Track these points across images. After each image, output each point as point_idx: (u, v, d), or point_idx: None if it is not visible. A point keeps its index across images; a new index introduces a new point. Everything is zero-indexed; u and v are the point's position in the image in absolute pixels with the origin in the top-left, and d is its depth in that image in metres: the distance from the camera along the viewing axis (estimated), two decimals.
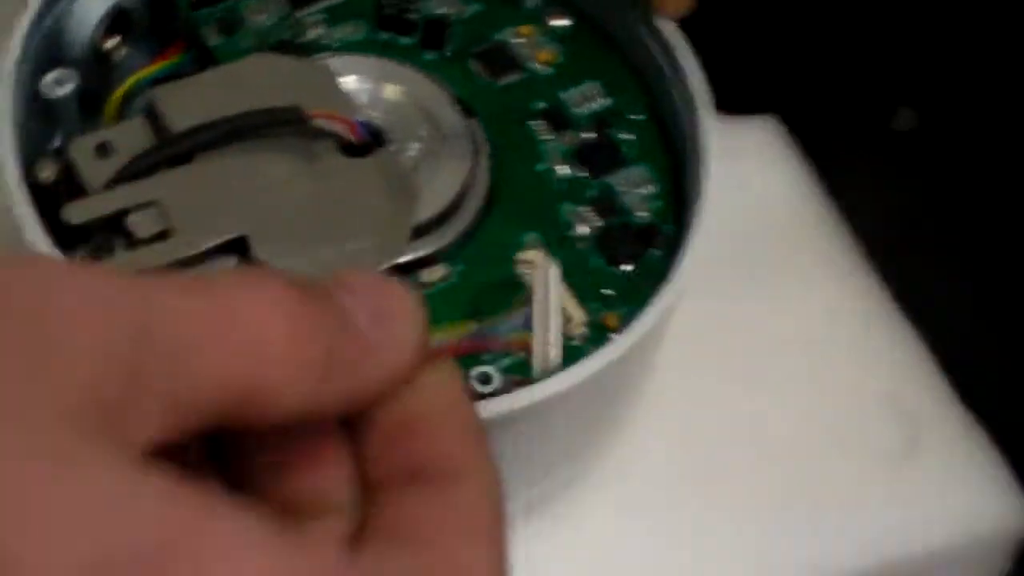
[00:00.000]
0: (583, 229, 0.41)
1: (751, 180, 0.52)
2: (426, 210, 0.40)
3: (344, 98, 0.40)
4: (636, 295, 0.40)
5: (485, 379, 0.38)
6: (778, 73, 0.54)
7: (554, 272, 0.40)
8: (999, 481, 0.48)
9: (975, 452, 0.48)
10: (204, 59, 0.42)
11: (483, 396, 0.37)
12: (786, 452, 0.48)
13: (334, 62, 0.41)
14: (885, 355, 0.50)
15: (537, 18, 0.44)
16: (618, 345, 0.37)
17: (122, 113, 0.41)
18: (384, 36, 0.43)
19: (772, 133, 0.53)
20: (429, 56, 0.43)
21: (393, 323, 0.28)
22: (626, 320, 0.39)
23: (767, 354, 0.49)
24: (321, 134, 0.39)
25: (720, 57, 0.50)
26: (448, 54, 0.43)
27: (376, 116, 0.41)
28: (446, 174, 0.40)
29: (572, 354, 0.39)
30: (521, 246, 0.41)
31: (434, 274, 0.40)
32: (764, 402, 0.48)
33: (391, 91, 0.41)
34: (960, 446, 0.49)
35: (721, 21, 0.51)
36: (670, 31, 0.42)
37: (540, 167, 0.42)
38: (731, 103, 0.49)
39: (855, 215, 0.52)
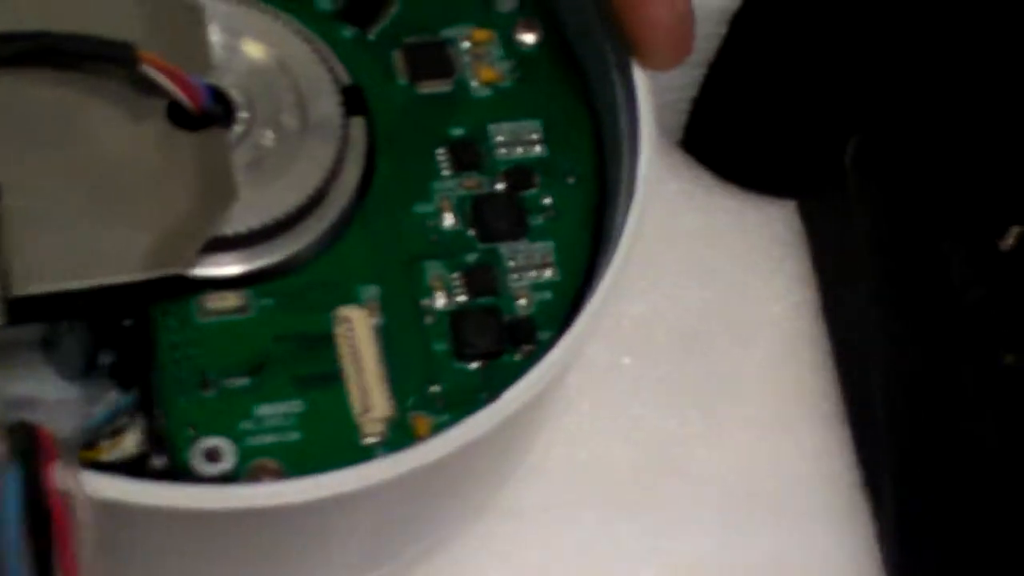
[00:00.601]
0: (441, 301, 0.33)
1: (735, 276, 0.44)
2: (243, 218, 0.32)
3: (202, 50, 0.32)
4: (468, 403, 0.32)
5: (213, 456, 0.30)
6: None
7: (368, 344, 0.32)
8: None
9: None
10: None
11: (204, 479, 0.30)
12: None
13: (216, 4, 0.34)
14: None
15: (504, 25, 0.36)
16: (384, 464, 0.29)
17: None
18: None
19: (784, 223, 0.44)
20: (347, 32, 0.35)
21: None
22: (439, 432, 0.31)
23: None
24: (149, 88, 0.32)
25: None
26: (372, 36, 0.35)
27: (235, 84, 0.33)
28: (291, 178, 0.32)
29: (351, 454, 0.31)
30: (355, 299, 0.32)
31: (224, 301, 0.32)
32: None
33: (266, 58, 0.33)
34: None
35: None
36: (642, 88, 0.34)
37: (422, 208, 0.34)
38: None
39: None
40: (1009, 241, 0.42)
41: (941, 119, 0.43)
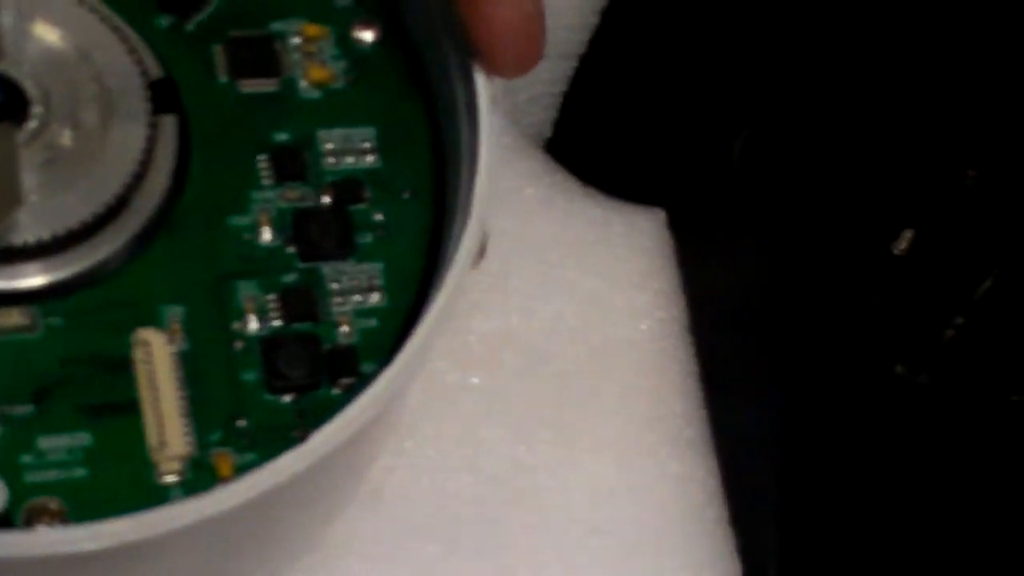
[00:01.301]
0: (252, 326, 0.31)
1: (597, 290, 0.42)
2: (34, 226, 0.29)
3: None
4: (278, 441, 0.29)
5: None
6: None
7: (167, 371, 0.29)
8: None
9: None
10: None
11: None
12: None
13: None
14: None
15: (339, 20, 0.33)
16: (171, 512, 0.27)
17: None
18: None
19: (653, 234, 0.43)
20: (163, 20, 0.32)
21: None
22: (242, 472, 0.29)
23: None
24: None
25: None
26: (191, 27, 0.32)
27: (28, 75, 0.30)
28: (91, 182, 0.30)
29: (144, 495, 0.28)
30: (157, 320, 0.30)
31: (7, 319, 0.29)
32: None
33: (65, 45, 0.31)
34: None
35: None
36: (484, 94, 0.31)
37: (237, 220, 0.31)
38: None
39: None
40: (902, 245, 0.41)
41: (828, 120, 0.42)
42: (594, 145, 0.44)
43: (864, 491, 0.41)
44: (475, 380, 0.41)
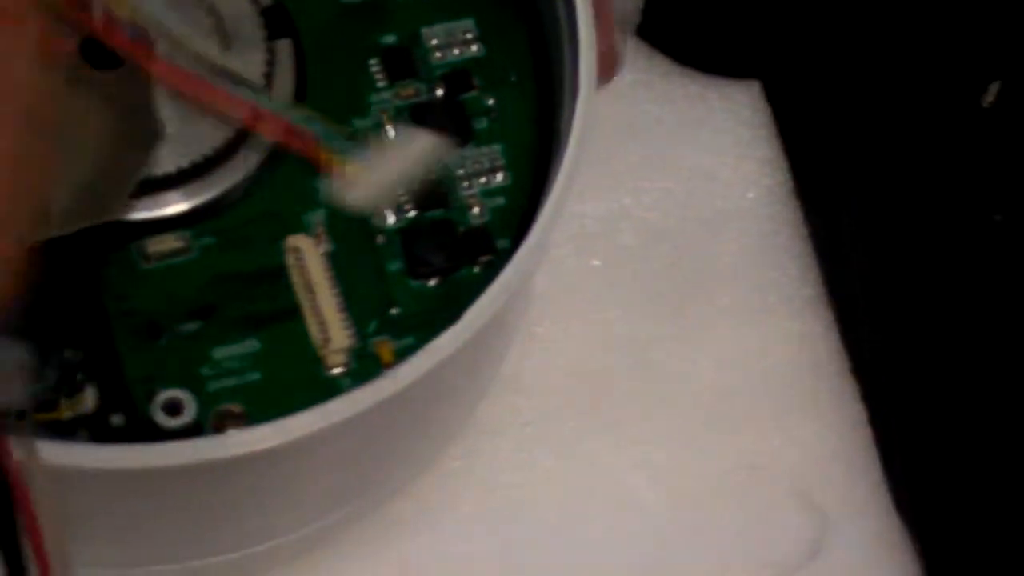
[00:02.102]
0: (390, 220, 0.33)
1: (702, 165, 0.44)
2: (175, 156, 0.32)
3: None
4: (431, 323, 0.32)
5: (173, 408, 0.30)
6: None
7: (320, 272, 0.32)
8: None
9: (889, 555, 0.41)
10: None
11: (167, 433, 0.30)
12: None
13: None
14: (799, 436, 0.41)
15: None
16: (348, 400, 0.29)
17: None
18: None
19: (750, 106, 0.44)
20: None
21: None
22: (405, 356, 0.31)
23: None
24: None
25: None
26: None
27: (149, 14, 0.33)
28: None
29: (316, 388, 0.31)
30: (302, 227, 0.32)
31: (163, 244, 0.32)
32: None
33: None
34: (872, 550, 0.41)
35: None
36: None
37: (360, 123, 0.33)
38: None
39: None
40: (990, 97, 0.42)
41: None
42: (684, 25, 0.45)
43: (964, 336, 0.42)
44: (595, 262, 0.43)
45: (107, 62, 0.32)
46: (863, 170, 0.43)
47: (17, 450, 0.27)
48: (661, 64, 0.45)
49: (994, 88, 0.43)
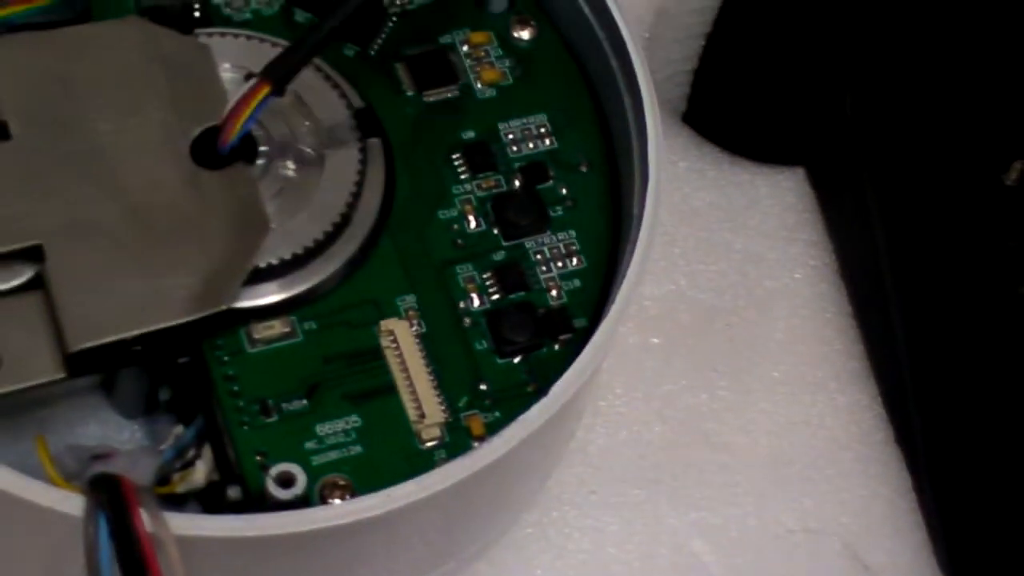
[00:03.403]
0: (476, 302, 0.36)
1: (752, 247, 0.47)
2: (277, 248, 0.35)
3: (217, 88, 0.36)
4: (517, 398, 0.35)
5: (286, 481, 0.33)
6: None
7: (414, 353, 0.35)
8: None
9: None
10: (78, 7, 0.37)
11: (279, 504, 0.33)
12: None
13: (223, 42, 0.37)
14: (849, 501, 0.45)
15: (499, 25, 0.39)
16: (444, 472, 0.32)
17: None
18: (299, 16, 0.38)
19: (796, 191, 0.48)
20: (348, 51, 0.38)
21: None
22: (494, 429, 0.34)
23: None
24: (167, 130, 0.35)
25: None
26: (372, 52, 0.38)
27: None
28: (317, 205, 0.36)
29: (412, 460, 0.34)
30: (394, 311, 0.36)
31: (271, 330, 0.35)
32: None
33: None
34: None
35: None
36: (641, 68, 0.37)
37: (445, 214, 0.37)
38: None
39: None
40: (1013, 176, 0.45)
41: (932, 62, 0.46)
42: (731, 115, 0.48)
43: (1000, 407, 0.44)
44: (655, 340, 0.46)
45: (216, 162, 0.35)
46: (902, 251, 0.45)
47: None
48: (711, 152, 0.48)
49: (1017, 166, 0.45)
